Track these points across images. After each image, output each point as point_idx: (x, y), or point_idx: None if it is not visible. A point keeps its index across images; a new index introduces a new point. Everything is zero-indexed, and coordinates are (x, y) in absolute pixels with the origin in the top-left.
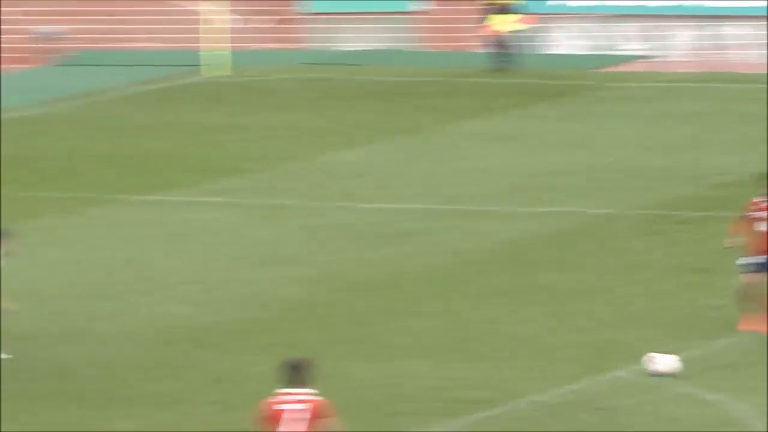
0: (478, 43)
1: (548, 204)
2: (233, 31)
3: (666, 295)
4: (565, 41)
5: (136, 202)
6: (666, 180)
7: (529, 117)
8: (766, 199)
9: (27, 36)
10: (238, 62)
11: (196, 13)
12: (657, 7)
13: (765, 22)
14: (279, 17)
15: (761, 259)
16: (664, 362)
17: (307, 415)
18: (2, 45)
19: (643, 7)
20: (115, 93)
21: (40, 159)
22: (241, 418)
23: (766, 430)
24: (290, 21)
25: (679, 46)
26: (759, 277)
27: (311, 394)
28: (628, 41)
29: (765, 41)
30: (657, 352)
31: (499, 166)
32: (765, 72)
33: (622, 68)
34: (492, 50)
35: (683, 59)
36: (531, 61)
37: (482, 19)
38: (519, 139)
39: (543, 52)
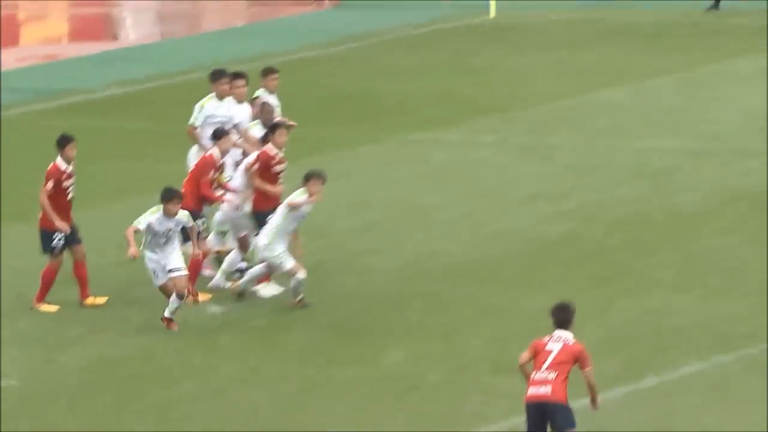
0: None
1: None
2: None
3: None
4: None
5: (408, 141)
6: None
7: None
8: None
9: None
10: (503, 7)
11: None
12: None
13: None
14: None
15: None
16: None
17: (568, 360)
18: None
19: None
20: (389, 35)
21: (334, 98)
22: (508, 350)
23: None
24: None
25: None
26: None
27: (573, 340)
28: None
29: None
30: None
31: (758, 103)
32: None
33: None
34: None
35: None
36: None
37: None
38: None
39: None
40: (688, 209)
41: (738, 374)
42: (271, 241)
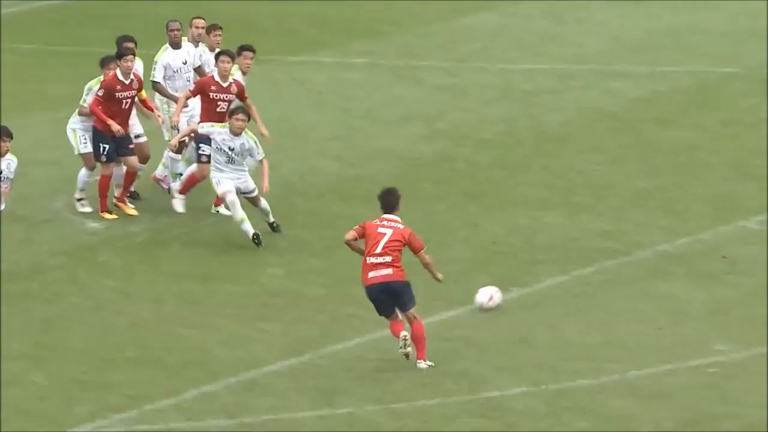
0: None
1: (671, 63)
2: None
3: None
4: None
5: (285, 62)
6: None
7: None
8: None
9: None
10: None
11: None
12: None
13: None
14: None
15: None
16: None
17: (400, 241)
18: None
19: None
20: None
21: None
22: None
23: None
24: None
25: None
26: None
27: (402, 224)
28: None
29: None
30: None
31: (624, 25)
32: None
33: None
34: None
35: None
36: None
37: None
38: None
39: None
40: (554, 129)
41: (598, 286)
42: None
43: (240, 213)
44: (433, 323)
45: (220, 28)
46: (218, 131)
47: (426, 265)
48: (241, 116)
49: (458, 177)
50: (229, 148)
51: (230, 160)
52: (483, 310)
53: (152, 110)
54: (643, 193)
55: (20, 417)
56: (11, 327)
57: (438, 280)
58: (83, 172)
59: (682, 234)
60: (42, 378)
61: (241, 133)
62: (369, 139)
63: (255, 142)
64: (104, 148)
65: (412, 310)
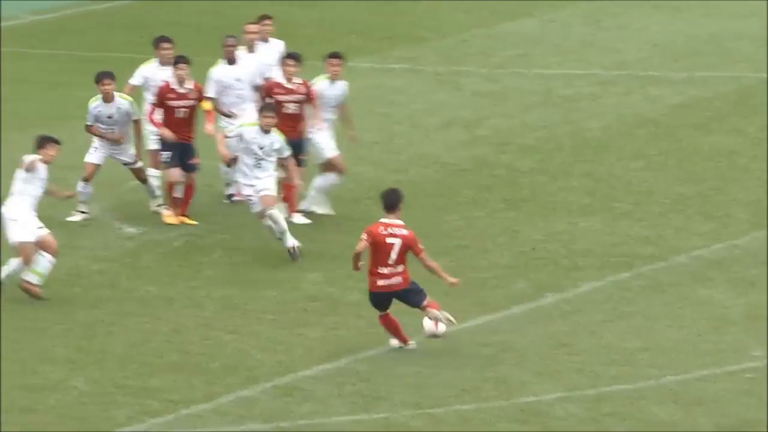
0: None
1: (711, 69)
2: None
3: None
4: None
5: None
6: None
7: None
8: None
9: None
10: None
11: None
12: None
13: None
14: None
15: None
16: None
17: (406, 250)
18: None
19: None
20: None
21: None
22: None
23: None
24: None
25: None
26: None
27: (402, 226)
28: None
29: None
30: None
31: (664, 32)
32: None
33: None
34: None
35: None
36: None
37: None
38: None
39: None
40: (594, 135)
41: (637, 292)
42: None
43: (282, 225)
44: (471, 329)
45: (270, 17)
46: (248, 129)
47: (430, 268)
48: (269, 114)
49: (498, 183)
50: (259, 146)
51: (258, 163)
52: (436, 335)
53: (209, 122)
54: (682, 199)
55: (61, 421)
56: (54, 332)
57: (451, 284)
58: (151, 171)
59: (721, 239)
60: (83, 383)
61: (270, 131)
62: (409, 145)
63: (283, 141)
64: (166, 155)
65: (425, 301)
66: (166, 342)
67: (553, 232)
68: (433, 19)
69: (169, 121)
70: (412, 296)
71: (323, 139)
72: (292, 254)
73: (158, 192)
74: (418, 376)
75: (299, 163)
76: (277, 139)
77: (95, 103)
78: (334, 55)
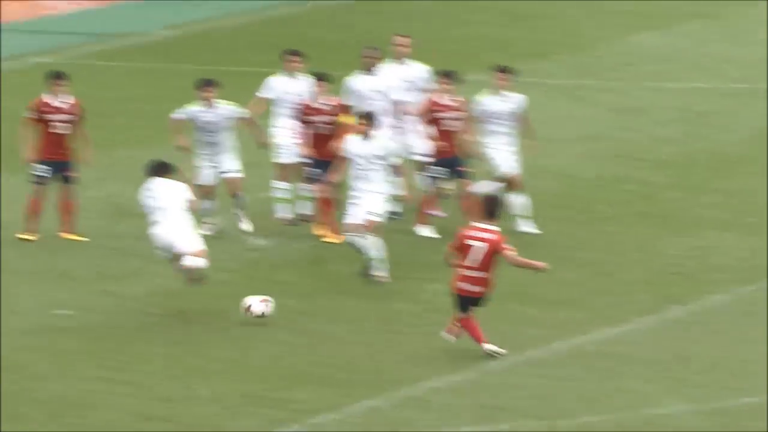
0: None
1: None
2: None
3: None
4: None
5: (468, 81)
6: None
7: None
8: None
9: None
10: None
11: None
12: None
13: None
14: None
15: None
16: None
17: (492, 254)
18: None
19: None
20: None
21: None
22: (534, 283)
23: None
24: None
25: None
26: None
27: (492, 231)
28: None
29: None
30: None
31: None
32: None
33: None
34: None
35: None
36: None
37: None
38: None
39: None
40: (728, 150)
41: (763, 306)
42: None
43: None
44: (596, 341)
45: (407, 36)
46: (350, 138)
47: (519, 264)
48: (363, 121)
49: (632, 198)
50: (359, 155)
51: (365, 173)
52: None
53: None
54: None
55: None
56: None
57: (540, 268)
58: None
59: None
60: (210, 392)
61: (368, 137)
62: (542, 158)
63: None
64: (309, 171)
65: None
66: (295, 355)
67: (687, 247)
68: (567, 34)
69: (308, 135)
70: (482, 304)
71: (499, 156)
72: (368, 276)
73: (246, 207)
74: (541, 387)
75: (460, 175)
76: (387, 143)
77: (195, 108)
78: (502, 69)
